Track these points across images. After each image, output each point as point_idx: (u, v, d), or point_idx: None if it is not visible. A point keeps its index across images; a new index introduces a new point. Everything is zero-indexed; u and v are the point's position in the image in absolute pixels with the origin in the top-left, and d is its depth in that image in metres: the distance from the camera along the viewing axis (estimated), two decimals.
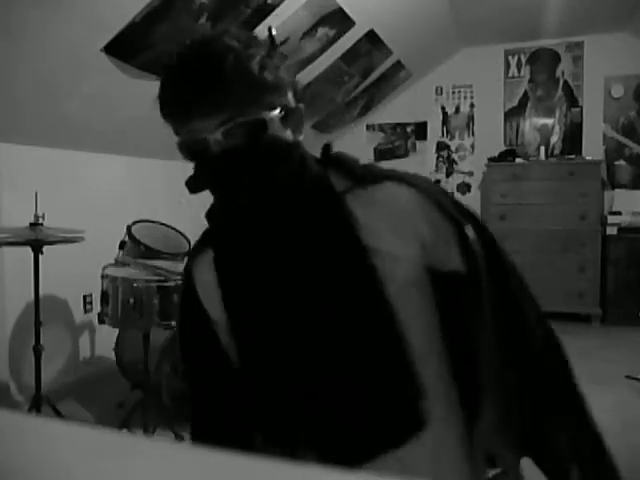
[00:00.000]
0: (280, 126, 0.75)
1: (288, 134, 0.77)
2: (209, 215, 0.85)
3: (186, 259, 0.96)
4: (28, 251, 2.47)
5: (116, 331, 2.99)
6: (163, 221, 3.23)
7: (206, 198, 0.86)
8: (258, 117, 0.73)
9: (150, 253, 2.78)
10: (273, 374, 0.81)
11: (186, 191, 0.82)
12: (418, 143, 5.64)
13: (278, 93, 0.75)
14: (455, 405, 0.84)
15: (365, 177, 0.80)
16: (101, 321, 2.36)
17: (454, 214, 0.79)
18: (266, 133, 0.73)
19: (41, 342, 2.56)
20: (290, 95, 0.78)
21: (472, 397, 0.83)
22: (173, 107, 0.75)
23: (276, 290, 0.79)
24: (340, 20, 3.55)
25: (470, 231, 0.79)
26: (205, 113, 0.72)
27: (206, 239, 0.89)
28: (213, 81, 0.71)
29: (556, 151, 5.16)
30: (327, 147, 0.85)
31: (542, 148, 5.06)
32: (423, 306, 0.81)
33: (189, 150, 0.76)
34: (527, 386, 0.83)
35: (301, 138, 0.80)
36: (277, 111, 0.75)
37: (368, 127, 5.73)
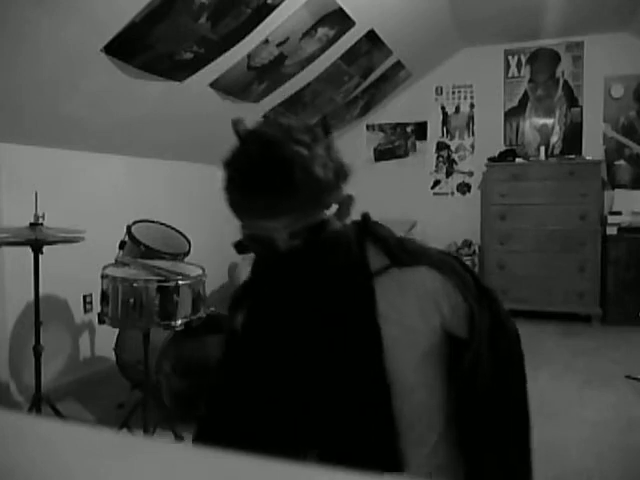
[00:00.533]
0: (335, 219, 0.85)
1: (339, 224, 0.87)
2: (254, 271, 0.95)
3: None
4: (28, 251, 2.47)
5: (116, 331, 2.99)
6: (163, 221, 3.23)
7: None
8: (320, 218, 0.82)
9: (150, 253, 2.78)
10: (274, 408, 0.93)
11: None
12: (418, 143, 5.64)
13: (336, 190, 0.84)
14: (453, 445, 0.97)
15: (401, 258, 0.92)
16: (101, 321, 2.35)
17: (468, 297, 0.93)
18: (326, 230, 0.83)
19: (41, 342, 2.56)
20: (343, 185, 0.86)
21: (464, 438, 0.97)
22: (242, 207, 0.82)
23: (294, 345, 0.91)
24: (340, 20, 3.55)
25: (476, 312, 0.92)
26: (274, 216, 0.79)
27: (247, 292, 1.01)
28: (283, 189, 0.77)
29: (556, 151, 5.16)
30: (366, 217, 0.96)
31: (542, 148, 5.06)
32: (439, 367, 0.95)
33: (254, 241, 0.85)
34: (491, 447, 0.95)
35: (348, 221, 0.90)
36: (334, 207, 0.84)
37: (368, 127, 5.73)
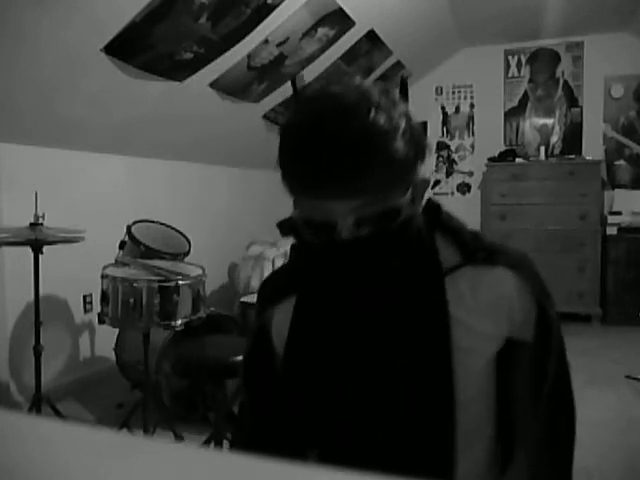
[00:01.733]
0: (409, 206, 0.72)
1: (413, 210, 0.74)
2: (298, 259, 0.83)
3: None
4: (28, 251, 2.47)
5: (116, 331, 2.99)
6: (163, 221, 3.23)
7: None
8: (395, 204, 0.69)
9: (150, 253, 2.78)
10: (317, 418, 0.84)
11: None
12: None
13: (415, 169, 0.71)
14: (493, 454, 0.88)
15: (476, 255, 0.80)
16: (101, 321, 2.35)
17: (541, 299, 0.83)
18: (398, 219, 0.70)
19: (41, 342, 2.56)
20: (420, 166, 0.73)
21: (507, 449, 0.88)
22: (302, 183, 0.68)
23: (344, 349, 0.80)
24: (340, 20, 3.55)
25: (552, 313, 0.83)
26: (341, 196, 0.66)
27: (290, 282, 0.88)
28: (358, 166, 0.64)
29: (556, 151, 5.16)
30: (437, 208, 0.83)
31: (542, 148, 5.06)
32: (496, 373, 0.86)
33: (310, 226, 0.71)
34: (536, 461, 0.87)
35: (421, 207, 0.79)
36: (410, 192, 0.71)
37: None
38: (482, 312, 0.79)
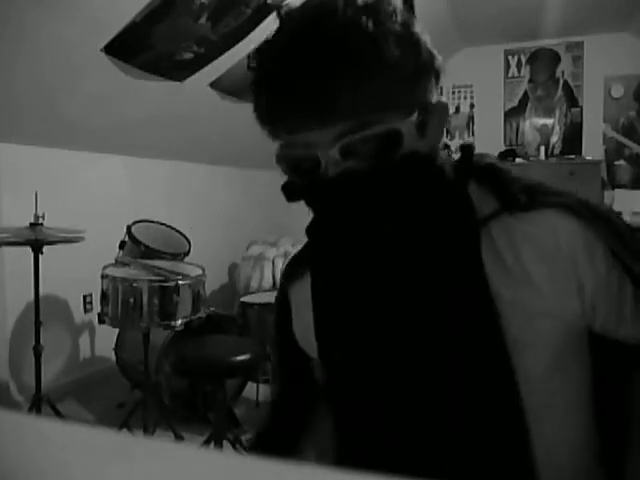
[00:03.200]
0: (416, 134, 0.55)
1: (424, 144, 0.56)
2: (310, 231, 0.64)
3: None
4: (28, 251, 2.47)
5: (116, 331, 2.99)
6: (163, 221, 3.23)
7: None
8: (391, 127, 0.53)
9: (150, 253, 2.78)
10: (357, 399, 0.67)
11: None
12: None
13: (420, 88, 0.55)
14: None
15: (518, 199, 0.59)
16: (101, 321, 2.35)
17: (635, 263, 0.57)
18: (399, 149, 0.54)
19: (41, 342, 2.56)
20: (432, 85, 0.56)
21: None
22: (273, 111, 0.55)
23: (372, 324, 0.63)
24: None
25: None
26: (319, 122, 0.52)
27: (305, 260, 0.73)
28: (330, 77, 0.50)
29: (556, 151, 5.17)
30: (468, 149, 0.64)
31: (542, 148, 5.06)
32: (578, 377, 0.62)
33: (292, 166, 0.58)
34: None
35: (440, 144, 0.60)
36: (415, 115, 0.54)
37: None
38: (528, 278, 0.57)
